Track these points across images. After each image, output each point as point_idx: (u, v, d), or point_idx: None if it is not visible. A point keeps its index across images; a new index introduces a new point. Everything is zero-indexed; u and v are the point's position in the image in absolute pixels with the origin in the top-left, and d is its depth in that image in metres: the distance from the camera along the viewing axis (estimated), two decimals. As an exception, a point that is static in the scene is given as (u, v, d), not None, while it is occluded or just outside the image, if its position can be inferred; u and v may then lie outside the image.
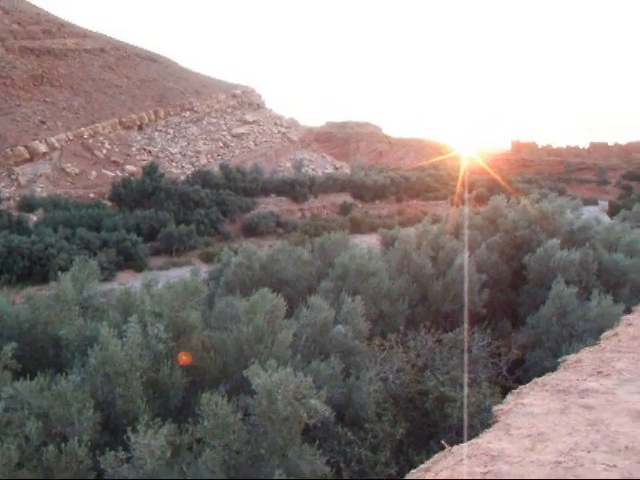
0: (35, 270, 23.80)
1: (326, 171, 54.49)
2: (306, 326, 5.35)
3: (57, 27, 55.90)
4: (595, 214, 20.12)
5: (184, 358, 4.61)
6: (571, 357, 3.45)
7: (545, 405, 2.64)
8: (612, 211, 34.86)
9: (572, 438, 2.26)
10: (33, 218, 30.72)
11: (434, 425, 5.52)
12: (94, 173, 40.89)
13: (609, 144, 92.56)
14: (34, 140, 39.65)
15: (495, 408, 2.73)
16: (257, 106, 64.56)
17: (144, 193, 34.57)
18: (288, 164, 53.24)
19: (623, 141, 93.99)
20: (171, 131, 51.87)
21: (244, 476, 3.78)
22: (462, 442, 2.46)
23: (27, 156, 38.65)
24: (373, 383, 5.29)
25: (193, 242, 31.56)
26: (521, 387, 2.97)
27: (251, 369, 3.90)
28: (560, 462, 2.05)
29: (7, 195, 34.22)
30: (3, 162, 37.31)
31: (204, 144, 52.15)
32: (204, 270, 9.26)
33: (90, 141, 44.16)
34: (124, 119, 48.63)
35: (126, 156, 44.96)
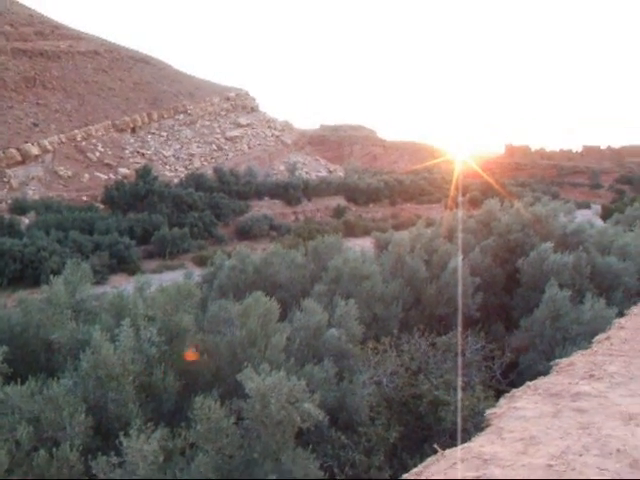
0: (27, 273, 23.68)
1: (320, 174, 54.54)
2: (300, 330, 5.34)
3: (50, 29, 55.76)
4: (588, 217, 20.24)
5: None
6: (564, 361, 3.46)
7: (537, 409, 2.65)
8: (605, 214, 35.04)
9: (564, 441, 2.26)
10: (25, 221, 30.56)
11: (428, 429, 5.52)
12: (87, 176, 40.74)
13: (602, 148, 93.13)
14: (26, 142, 39.47)
15: (488, 412, 2.73)
16: (251, 109, 64.59)
17: (137, 196, 34.47)
18: (282, 167, 53.26)
19: (616, 145, 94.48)
20: (164, 134, 51.79)
21: (237, 480, 3.77)
22: (456, 446, 2.47)
23: (19, 159, 38.46)
24: (367, 387, 5.29)
25: (186, 245, 31.49)
26: (514, 391, 2.97)
27: (244, 373, 3.89)
28: (552, 465, 2.05)
29: (-1, 198, 34.06)
30: (-5, 165, 37.13)
31: (198, 147, 52.09)
32: (197, 273, 9.25)
33: (83, 144, 44.02)
34: (117, 122, 48.51)
35: (119, 159, 44.83)
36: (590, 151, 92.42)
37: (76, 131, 44.11)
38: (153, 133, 51.12)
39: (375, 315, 6.90)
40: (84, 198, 37.57)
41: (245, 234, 36.28)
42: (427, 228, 9.91)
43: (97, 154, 43.84)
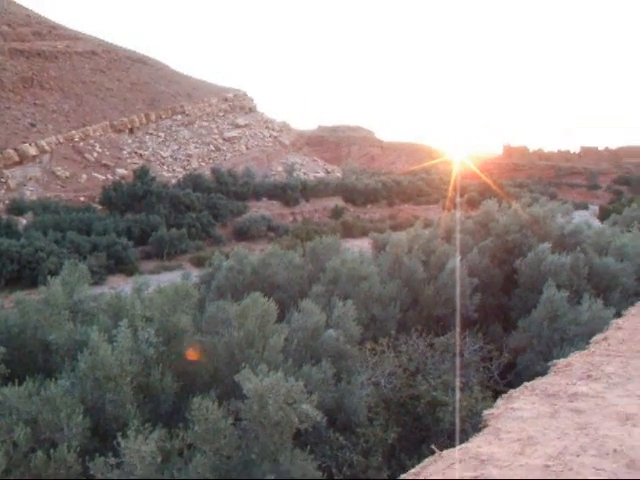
0: (24, 274, 23.64)
1: (318, 175, 54.53)
2: (297, 330, 5.34)
3: (48, 29, 55.70)
4: (586, 218, 20.25)
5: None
6: (561, 361, 3.46)
7: (535, 409, 2.65)
8: (603, 215, 35.11)
9: (561, 442, 2.27)
10: (22, 221, 30.51)
11: (426, 429, 5.52)
12: (85, 176, 40.69)
13: (600, 149, 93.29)
14: (24, 143, 39.41)
15: (485, 412, 2.74)
16: (249, 110, 64.58)
17: (135, 197, 34.43)
18: (280, 168, 53.26)
19: (614, 146, 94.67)
20: (162, 134, 51.74)
21: (235, 481, 3.76)
22: (454, 446, 2.47)
23: (17, 159, 38.40)
24: (365, 387, 5.29)
25: (184, 246, 31.46)
26: (511, 391, 2.98)
27: (242, 374, 3.89)
28: (549, 466, 2.05)
29: (-4, 198, 34.00)
30: (-7, 165, 37.07)
31: (195, 148, 52.06)
32: (195, 274, 9.24)
33: (81, 144, 43.96)
34: (115, 122, 48.46)
35: (117, 159, 44.79)
36: (588, 152, 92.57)
37: (74, 131, 44.06)
38: (151, 134, 51.07)
39: (373, 316, 6.90)
40: (82, 199, 37.51)
41: (243, 235, 36.26)
42: (425, 229, 9.92)
43: (95, 155, 43.79)
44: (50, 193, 37.00)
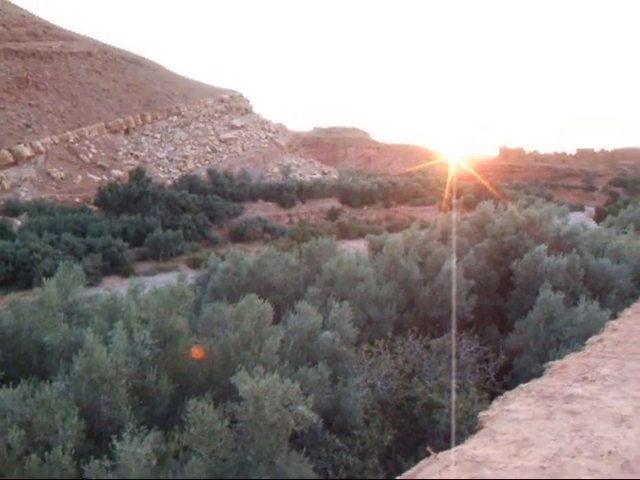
0: (19, 275, 23.54)
1: (314, 176, 54.54)
2: (293, 332, 5.34)
3: (43, 29, 55.56)
4: (582, 220, 20.35)
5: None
6: (556, 363, 3.47)
7: (530, 411, 2.66)
8: (599, 217, 35.22)
9: (556, 444, 2.27)
10: (17, 222, 30.39)
11: (422, 431, 5.52)
12: (80, 177, 40.58)
13: (596, 150, 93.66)
14: (19, 144, 39.28)
15: (481, 414, 2.74)
16: (245, 111, 64.55)
17: (131, 198, 34.34)
18: (276, 169, 53.25)
19: (609, 147, 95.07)
20: (158, 135, 51.68)
21: (230, 484, 3.75)
22: (450, 448, 2.47)
23: (11, 160, 38.25)
24: (361, 389, 5.29)
25: (180, 247, 31.39)
26: (506, 393, 2.98)
27: (238, 375, 3.88)
28: (544, 467, 2.06)
29: (-9, 199, 33.86)
30: (-12, 166, 36.94)
31: (191, 149, 52.01)
32: (191, 276, 9.23)
33: (76, 145, 43.85)
34: (111, 123, 48.36)
35: (113, 160, 44.70)
36: (584, 154, 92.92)
37: (69, 132, 43.94)
38: (147, 135, 51.00)
39: (369, 317, 6.90)
40: (77, 200, 37.41)
41: (239, 236, 36.21)
42: (421, 230, 9.94)
43: (90, 155, 43.68)
44: (45, 194, 36.89)
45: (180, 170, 47.27)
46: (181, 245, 31.56)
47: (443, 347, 6.50)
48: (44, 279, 5.25)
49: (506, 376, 6.51)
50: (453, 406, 5.18)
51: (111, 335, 4.28)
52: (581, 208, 55.78)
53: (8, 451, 3.56)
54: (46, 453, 3.56)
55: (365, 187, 49.59)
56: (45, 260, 23.84)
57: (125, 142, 48.39)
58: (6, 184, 36.31)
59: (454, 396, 5.32)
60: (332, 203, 46.38)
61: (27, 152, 39.22)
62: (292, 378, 4.11)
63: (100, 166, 43.08)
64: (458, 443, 2.55)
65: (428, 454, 2.45)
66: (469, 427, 4.64)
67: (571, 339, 6.25)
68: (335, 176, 57.33)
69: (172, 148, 50.76)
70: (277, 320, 5.41)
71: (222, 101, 62.69)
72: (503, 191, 46.85)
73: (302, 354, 5.27)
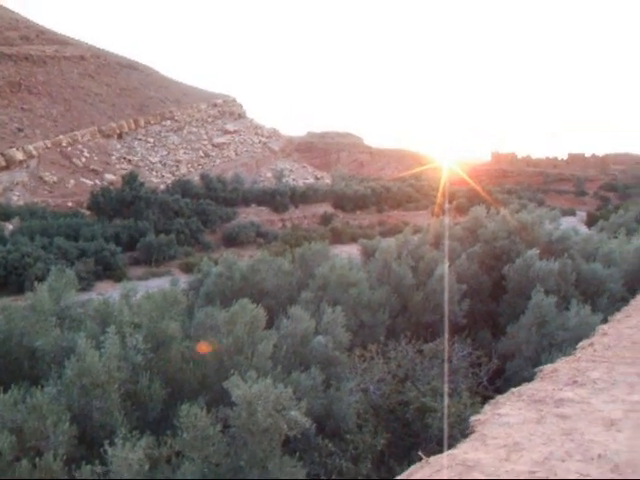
0: (11, 280, 23.37)
1: (307, 181, 54.58)
2: (286, 337, 5.34)
3: (36, 33, 55.42)
4: (573, 224, 20.41)
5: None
6: (547, 367, 3.49)
7: (521, 415, 2.67)
8: (590, 222, 35.39)
9: (547, 447, 2.29)
10: (9, 227, 30.21)
11: (415, 436, 5.53)
12: (72, 182, 40.43)
13: (587, 155, 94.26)
14: (11, 148, 39.10)
15: (472, 418, 2.76)
16: (238, 116, 64.57)
17: (123, 202, 34.24)
18: (269, 174, 53.24)
19: (601, 152, 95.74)
20: (151, 140, 51.58)
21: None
22: (442, 452, 2.48)
23: (3, 164, 38.06)
24: (354, 394, 5.29)
25: (173, 252, 31.30)
26: (498, 397, 3.00)
27: (231, 380, 3.88)
28: (535, 472, 2.07)
29: (-17, 203, 33.64)
30: (-21, 170, 36.74)
31: (184, 153, 51.94)
32: (184, 280, 9.20)
33: (69, 149, 43.70)
34: (104, 127, 48.24)
35: (105, 165, 44.56)
36: (575, 159, 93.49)
37: (62, 136, 43.79)
38: (140, 139, 50.90)
39: (362, 322, 6.91)
40: (69, 204, 37.26)
41: (232, 241, 36.16)
42: (414, 235, 9.97)
43: (83, 160, 43.54)
44: (37, 198, 36.71)
45: (173, 175, 47.18)
46: (174, 250, 31.48)
47: (436, 351, 6.52)
48: (36, 283, 5.22)
49: (499, 380, 6.53)
50: (446, 410, 5.19)
51: (103, 340, 4.27)
52: (573, 213, 56.07)
53: (-1, 457, 3.54)
54: (37, 459, 3.54)
55: (358, 192, 49.65)
56: (37, 264, 23.70)
57: (118, 146, 48.27)
58: (-2, 188, 36.11)
59: (447, 400, 5.33)
60: (325, 208, 46.41)
61: (19, 156, 39.04)
62: (285, 383, 4.11)
63: (93, 170, 42.94)
64: (451, 447, 2.56)
65: (420, 458, 2.46)
66: (461, 431, 4.65)
67: (563, 343, 6.28)
68: (328, 181, 57.39)
69: (165, 153, 50.68)
70: (270, 325, 5.41)
71: (215, 106, 62.68)
72: (495, 196, 47.07)
73: (295, 359, 5.27)
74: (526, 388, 3.09)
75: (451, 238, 9.35)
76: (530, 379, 3.47)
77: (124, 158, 46.83)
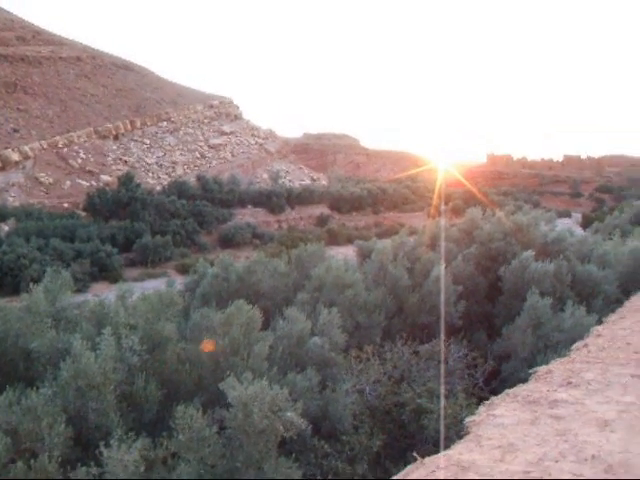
0: (6, 281, 23.33)
1: (303, 182, 54.63)
2: (282, 338, 5.34)
3: (32, 34, 55.34)
4: (569, 226, 20.49)
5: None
6: (542, 368, 3.51)
7: (516, 416, 2.69)
8: (585, 223, 35.53)
9: (541, 448, 2.30)
10: (5, 228, 30.13)
11: (411, 437, 5.54)
12: (68, 183, 40.35)
13: (582, 157, 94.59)
14: (6, 148, 39.01)
15: (467, 419, 2.77)
16: (234, 117, 64.58)
17: (119, 203, 34.21)
18: (265, 175, 53.28)
19: (596, 154, 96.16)
20: (147, 141, 51.53)
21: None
22: (438, 454, 2.49)
23: (-1, 165, 37.98)
24: (350, 395, 5.30)
25: (169, 253, 31.29)
26: (493, 398, 3.01)
27: (227, 382, 3.88)
28: (529, 472, 2.08)
29: (-22, 204, 33.55)
30: (-26, 171, 36.61)
31: (181, 154, 51.91)
32: (180, 282, 9.18)
33: (65, 150, 43.62)
34: (100, 128, 48.17)
35: (101, 166, 44.50)
36: (571, 161, 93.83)
37: (57, 137, 43.71)
38: (136, 140, 50.84)
39: (358, 323, 6.91)
40: (65, 205, 37.19)
41: (228, 242, 36.15)
42: (410, 236, 9.97)
43: (79, 161, 43.46)
44: (33, 199, 36.63)
45: (169, 176, 47.14)
46: (170, 251, 31.47)
47: (432, 353, 6.53)
48: (31, 285, 5.21)
49: (494, 381, 6.55)
50: (442, 412, 5.20)
51: (99, 341, 4.26)
52: (568, 214, 56.26)
53: (-6, 459, 3.53)
54: (32, 461, 3.53)
55: (354, 193, 49.72)
56: (33, 266, 23.66)
57: (114, 147, 48.21)
58: (-7, 189, 36.01)
59: (443, 402, 5.34)
60: (321, 209, 46.45)
61: (15, 157, 38.95)
62: (281, 384, 4.12)
63: (89, 171, 42.87)
64: (447, 448, 2.57)
65: (415, 459, 2.47)
66: (457, 432, 4.67)
67: (558, 344, 6.29)
68: (324, 182, 57.46)
69: (161, 154, 50.64)
70: (266, 326, 5.42)
71: (212, 107, 62.67)
72: (491, 197, 47.21)
73: (291, 360, 5.27)
74: (520, 389, 3.10)
75: (447, 239, 9.37)
76: (526, 380, 3.49)
77: (120, 159, 46.78)
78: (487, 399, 3.26)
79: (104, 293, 18.50)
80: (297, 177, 57.15)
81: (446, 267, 7.87)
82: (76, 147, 44.77)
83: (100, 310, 5.18)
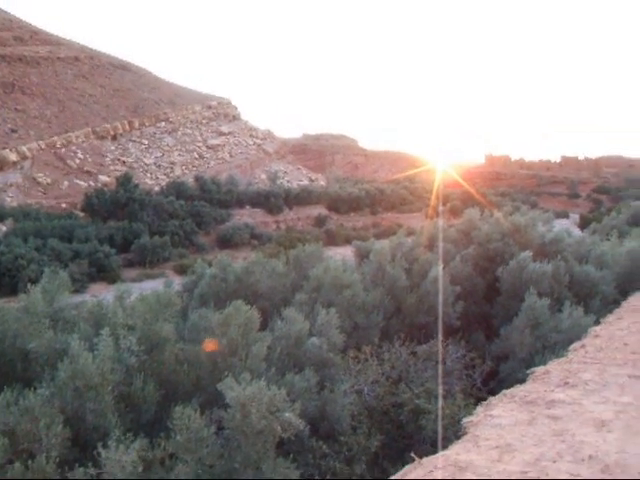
0: (4, 282, 23.27)
1: (301, 183, 54.61)
2: (280, 339, 5.34)
3: (29, 34, 55.25)
4: (566, 227, 20.49)
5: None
6: (539, 369, 3.52)
7: (513, 416, 2.69)
8: (583, 224, 35.56)
9: (538, 448, 2.30)
10: (2, 228, 30.08)
11: (409, 437, 5.54)
12: (66, 183, 40.30)
13: (580, 158, 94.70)
14: (4, 149, 38.92)
15: (465, 420, 2.78)
16: (232, 117, 64.54)
17: (117, 204, 34.18)
18: (263, 176, 53.23)
19: (593, 155, 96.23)
20: (146, 141, 51.48)
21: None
22: (435, 454, 2.49)
23: (-3, 165, 37.91)
24: (348, 396, 5.30)
25: (167, 254, 31.25)
26: (490, 399, 3.02)
27: (225, 382, 3.88)
28: (526, 472, 2.09)
29: (-24, 205, 33.49)
30: (-28, 171, 36.55)
31: (179, 155, 51.86)
32: (178, 282, 9.18)
33: (63, 150, 43.55)
34: (98, 129, 48.11)
35: (99, 166, 44.44)
36: (568, 161, 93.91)
37: (55, 138, 43.64)
38: (134, 141, 50.78)
39: (356, 324, 6.92)
40: (63, 205, 37.12)
41: (226, 243, 36.13)
42: (408, 237, 9.98)
43: (77, 161, 43.40)
44: (31, 200, 36.57)
45: (167, 176, 47.10)
46: (168, 251, 31.43)
47: (430, 353, 6.54)
48: (29, 285, 5.20)
49: (492, 382, 6.56)
50: (440, 412, 5.21)
51: (97, 342, 4.26)
52: (565, 215, 56.31)
53: (-9, 460, 3.52)
54: (30, 461, 3.53)
55: (352, 194, 49.70)
56: (30, 266, 23.62)
57: (112, 148, 48.15)
58: (-9, 189, 35.94)
59: (441, 402, 5.35)
60: (319, 210, 46.44)
61: (13, 157, 38.88)
62: (279, 385, 4.12)
63: (87, 172, 42.80)
64: (444, 449, 2.58)
65: (413, 460, 2.47)
66: (455, 433, 4.67)
67: (556, 345, 6.31)
68: (322, 183, 57.45)
69: (159, 154, 50.59)
70: (264, 327, 5.42)
71: (210, 107, 62.63)
72: (489, 198, 47.22)
73: (289, 360, 5.28)
74: (518, 390, 3.11)
75: (445, 240, 9.38)
76: (524, 381, 3.49)
77: (118, 159, 46.72)
78: (485, 399, 3.26)
79: (102, 294, 18.49)
80: (295, 177, 57.14)
81: (444, 268, 7.88)
82: (74, 147, 44.70)
83: (98, 311, 5.17)
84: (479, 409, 2.90)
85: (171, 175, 47.47)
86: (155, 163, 49.02)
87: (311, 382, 4.93)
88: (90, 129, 47.35)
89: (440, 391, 5.61)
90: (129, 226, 32.17)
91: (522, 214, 10.55)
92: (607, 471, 2.11)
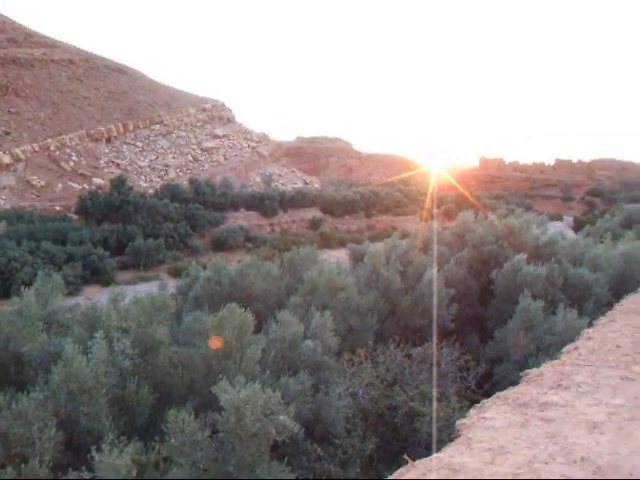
0: (-3, 284, 23.16)
1: (296, 186, 54.61)
2: (275, 341, 5.34)
3: (24, 36, 55.09)
4: (560, 229, 20.63)
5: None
6: (533, 371, 3.53)
7: (506, 419, 2.70)
8: (577, 227, 35.74)
9: (531, 451, 2.32)
10: (-4, 231, 29.94)
11: (404, 440, 5.55)
12: (60, 186, 40.15)
13: (573, 161, 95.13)
14: (-2, 151, 38.78)
15: (458, 422, 2.79)
16: (227, 120, 64.49)
17: (112, 207, 34.09)
18: (258, 179, 53.23)
19: (587, 158, 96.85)
20: (140, 144, 51.36)
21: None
22: (429, 456, 2.50)
23: (-10, 168, 37.74)
24: (342, 398, 5.30)
25: (161, 256, 31.20)
26: (484, 401, 3.03)
27: (219, 385, 3.88)
28: (518, 474, 2.10)
29: (-31, 207, 33.32)
30: (-35, 174, 36.37)
31: (173, 158, 51.78)
32: (172, 285, 9.17)
33: (57, 153, 43.40)
34: (92, 131, 47.97)
35: (94, 169, 44.31)
36: (562, 164, 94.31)
37: (49, 140, 43.49)
38: (128, 143, 50.67)
39: (350, 327, 6.93)
40: (57, 208, 36.97)
41: (221, 245, 36.10)
42: (402, 240, 10.01)
43: (71, 164, 43.26)
44: (25, 202, 36.41)
45: (162, 179, 47.02)
46: (162, 254, 31.37)
47: (424, 356, 6.55)
48: (23, 288, 5.19)
49: (487, 384, 6.57)
50: (434, 415, 5.22)
51: (91, 345, 4.25)
52: (559, 218, 56.52)
53: (-16, 464, 3.51)
54: (23, 465, 3.51)
55: (347, 197, 49.75)
56: (24, 269, 23.52)
57: (106, 150, 48.02)
58: (-16, 192, 35.76)
59: (435, 405, 5.36)
60: (314, 213, 46.46)
61: (6, 160, 38.72)
62: (273, 387, 4.12)
63: (81, 174, 42.67)
64: (438, 451, 2.58)
65: (407, 462, 2.48)
66: (449, 435, 4.68)
67: (550, 347, 6.33)
68: (317, 186, 57.50)
69: (154, 157, 50.49)
70: (258, 329, 5.42)
71: (204, 110, 62.57)
72: (483, 201, 47.39)
73: (283, 363, 5.28)
74: (511, 392, 3.12)
75: (439, 243, 9.41)
76: (517, 383, 3.51)
77: (112, 162, 46.60)
78: (479, 402, 3.27)
79: (96, 296, 18.41)
80: (290, 180, 57.15)
81: (438, 270, 7.90)
82: (68, 150, 44.55)
83: (92, 313, 5.16)
84: (472, 411, 2.91)
85: (165, 178, 47.39)
86: (149, 166, 48.92)
87: (305, 385, 4.93)
88: (84, 131, 47.21)
89: (434, 394, 5.62)
90: (123, 229, 32.10)
91: (516, 217, 10.61)
92: (599, 473, 2.13)
